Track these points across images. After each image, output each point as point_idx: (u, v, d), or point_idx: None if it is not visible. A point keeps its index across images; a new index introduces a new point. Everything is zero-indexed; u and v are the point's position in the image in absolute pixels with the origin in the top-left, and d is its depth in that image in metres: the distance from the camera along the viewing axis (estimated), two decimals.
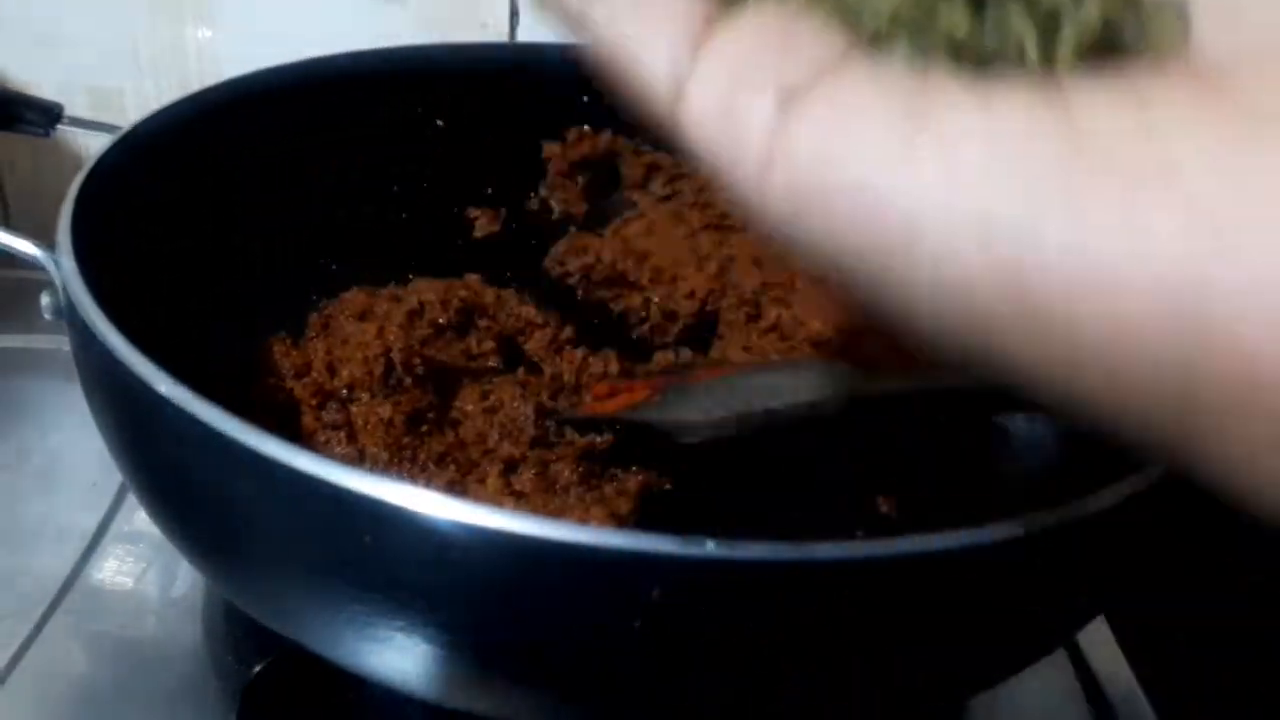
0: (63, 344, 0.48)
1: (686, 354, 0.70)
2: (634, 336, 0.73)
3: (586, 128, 0.77)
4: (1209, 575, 0.85)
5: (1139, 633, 0.65)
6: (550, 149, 0.78)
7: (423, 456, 0.56)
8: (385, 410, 0.57)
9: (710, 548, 0.33)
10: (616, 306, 0.75)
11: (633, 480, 0.58)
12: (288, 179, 0.69)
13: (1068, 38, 0.23)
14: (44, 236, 0.49)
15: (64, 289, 0.45)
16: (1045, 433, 0.64)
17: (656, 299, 0.73)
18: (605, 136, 0.78)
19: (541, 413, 0.60)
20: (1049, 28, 0.23)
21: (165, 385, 0.39)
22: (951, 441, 0.64)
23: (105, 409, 0.46)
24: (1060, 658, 0.63)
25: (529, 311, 0.68)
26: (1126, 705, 0.61)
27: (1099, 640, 0.64)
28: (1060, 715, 0.60)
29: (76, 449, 0.69)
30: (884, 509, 0.60)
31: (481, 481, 0.54)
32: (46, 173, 0.81)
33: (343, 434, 0.56)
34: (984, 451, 0.64)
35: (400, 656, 0.39)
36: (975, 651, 0.42)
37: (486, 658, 0.38)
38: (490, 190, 0.77)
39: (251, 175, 0.65)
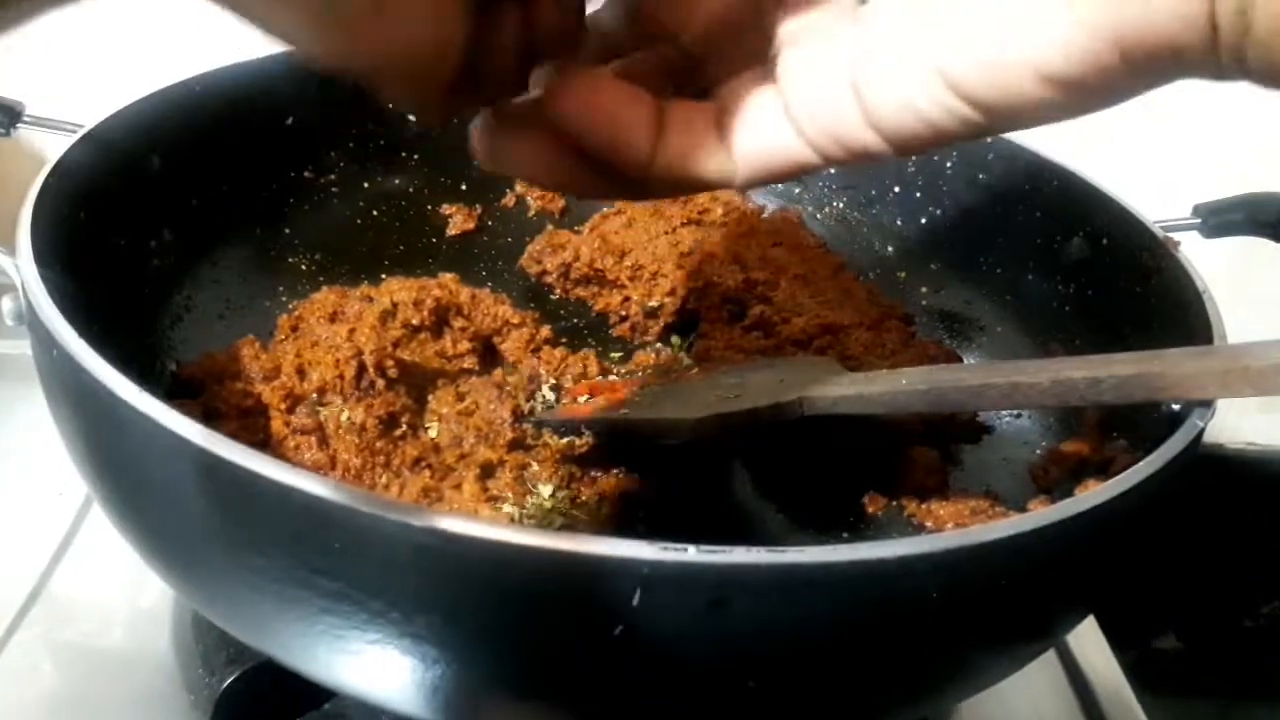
0: (27, 349, 0.46)
1: (667, 353, 0.69)
2: (614, 335, 0.73)
3: None
4: (1198, 575, 0.85)
5: (1129, 633, 0.65)
6: None
7: (396, 462, 0.55)
8: (357, 414, 0.56)
9: (691, 553, 0.33)
10: (595, 305, 0.74)
11: (613, 483, 0.57)
12: (254, 177, 0.67)
13: None
14: (4, 239, 0.47)
15: (24, 293, 0.44)
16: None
17: (636, 297, 0.72)
18: None
19: (519, 415, 0.59)
20: None
21: (128, 391, 0.38)
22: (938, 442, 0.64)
23: (68, 416, 0.45)
24: (1050, 658, 0.62)
25: (505, 311, 0.67)
26: (1116, 704, 0.60)
27: (1089, 640, 0.64)
28: (1050, 715, 0.60)
29: (42, 457, 0.68)
30: (870, 509, 0.60)
31: (458, 487, 0.53)
32: (6, 174, 0.79)
33: (313, 439, 0.54)
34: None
35: (374, 669, 0.38)
36: (965, 654, 0.42)
37: (463, 668, 0.38)
38: (464, 186, 0.76)
39: (217, 174, 0.64)
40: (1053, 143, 0.66)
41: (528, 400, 0.60)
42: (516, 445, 0.57)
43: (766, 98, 0.36)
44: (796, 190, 0.78)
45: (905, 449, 0.61)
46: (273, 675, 0.50)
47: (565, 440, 0.58)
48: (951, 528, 0.56)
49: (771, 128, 0.36)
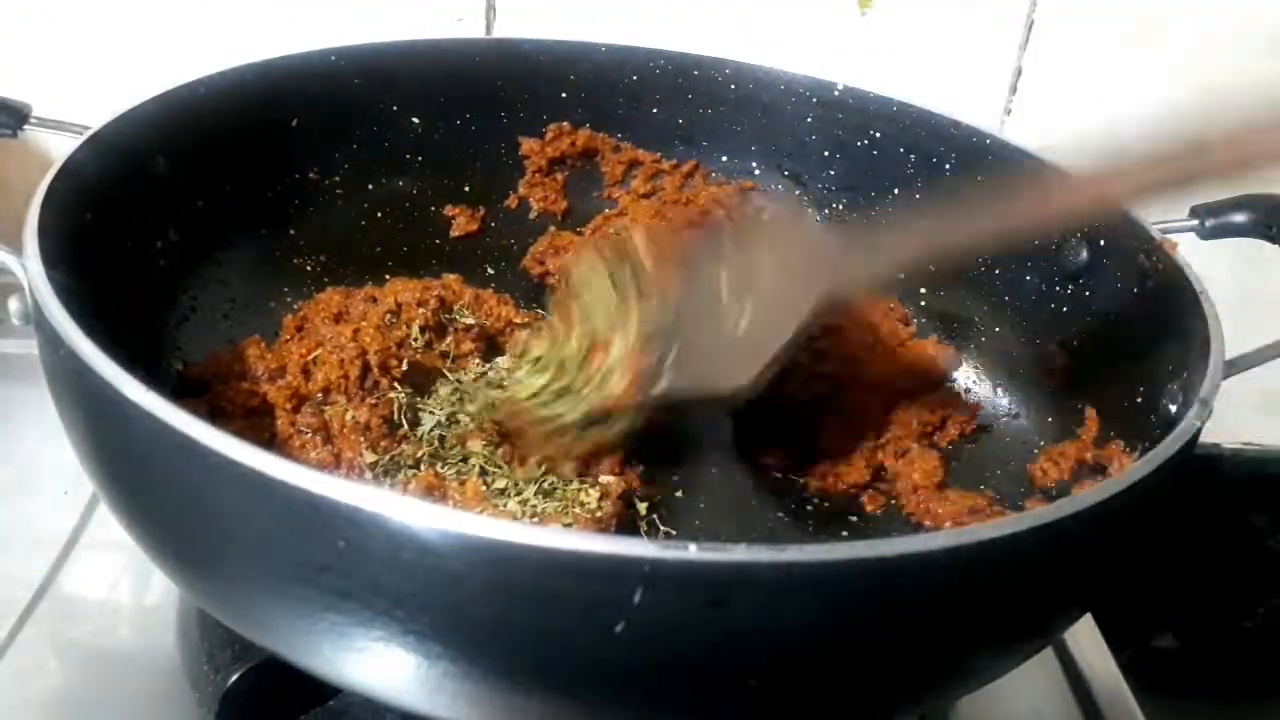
0: (34, 349, 0.46)
1: None
2: None
3: (565, 124, 0.77)
4: (1195, 574, 0.86)
5: (1126, 632, 0.65)
6: (529, 145, 0.77)
7: (400, 459, 0.56)
8: (362, 413, 0.56)
9: (692, 551, 0.33)
10: None
11: (615, 482, 0.57)
12: (259, 178, 0.68)
13: None
14: (11, 240, 0.48)
15: (31, 293, 0.44)
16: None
17: None
18: (584, 133, 0.77)
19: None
20: None
21: (135, 391, 0.38)
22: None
23: (74, 415, 0.45)
24: (1048, 656, 0.63)
25: (508, 311, 0.67)
26: (1113, 703, 0.60)
27: (1086, 639, 0.64)
28: (1048, 713, 0.60)
29: (49, 456, 0.68)
30: (870, 509, 0.60)
31: (461, 484, 0.54)
32: (13, 175, 0.79)
33: (318, 438, 0.55)
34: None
35: (379, 666, 0.38)
36: (963, 652, 0.42)
37: (467, 665, 0.38)
38: (468, 188, 0.77)
39: (222, 175, 0.64)
40: (1051, 143, 0.66)
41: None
42: None
43: None
44: (796, 191, 0.78)
45: (904, 448, 0.62)
46: (277, 672, 0.50)
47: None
48: (949, 527, 0.57)
49: None
